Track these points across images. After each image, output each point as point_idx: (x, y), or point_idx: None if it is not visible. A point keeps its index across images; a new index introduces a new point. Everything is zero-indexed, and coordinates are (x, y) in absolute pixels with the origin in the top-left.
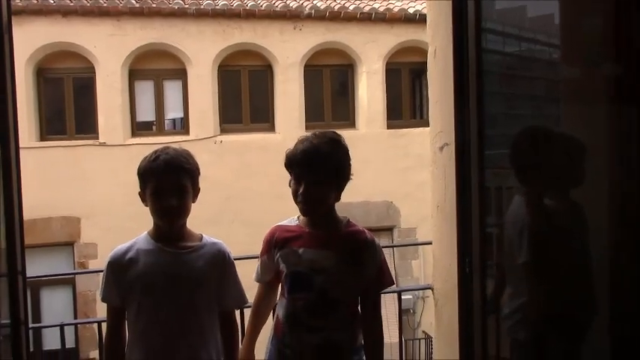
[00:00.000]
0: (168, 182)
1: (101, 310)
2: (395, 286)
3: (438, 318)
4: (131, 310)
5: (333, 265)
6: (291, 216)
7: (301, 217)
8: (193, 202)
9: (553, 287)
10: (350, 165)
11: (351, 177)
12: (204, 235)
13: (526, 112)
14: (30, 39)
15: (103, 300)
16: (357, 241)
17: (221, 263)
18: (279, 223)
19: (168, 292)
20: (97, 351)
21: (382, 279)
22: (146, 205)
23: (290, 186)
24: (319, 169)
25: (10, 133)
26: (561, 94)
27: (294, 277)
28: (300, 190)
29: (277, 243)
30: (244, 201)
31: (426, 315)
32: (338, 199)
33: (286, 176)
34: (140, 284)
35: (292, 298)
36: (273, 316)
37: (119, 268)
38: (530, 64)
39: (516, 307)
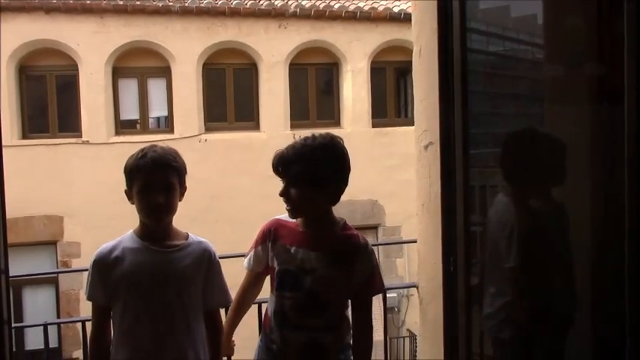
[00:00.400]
0: (156, 179)
1: (84, 310)
2: None
3: (423, 316)
4: (117, 309)
5: (323, 266)
6: (275, 215)
7: None
8: (180, 200)
9: (538, 287)
10: (345, 168)
11: (347, 183)
12: (190, 234)
13: (509, 112)
14: (12, 36)
15: (89, 299)
16: (350, 244)
17: (207, 262)
18: (279, 217)
19: (154, 290)
20: (80, 350)
21: (373, 284)
22: (132, 203)
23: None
24: (293, 169)
25: None
26: (545, 94)
27: (284, 275)
28: (290, 191)
29: (272, 236)
30: (229, 200)
31: (411, 313)
32: (334, 202)
33: (271, 175)
34: (126, 283)
35: (280, 295)
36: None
37: (104, 266)
38: (514, 63)
39: (500, 307)
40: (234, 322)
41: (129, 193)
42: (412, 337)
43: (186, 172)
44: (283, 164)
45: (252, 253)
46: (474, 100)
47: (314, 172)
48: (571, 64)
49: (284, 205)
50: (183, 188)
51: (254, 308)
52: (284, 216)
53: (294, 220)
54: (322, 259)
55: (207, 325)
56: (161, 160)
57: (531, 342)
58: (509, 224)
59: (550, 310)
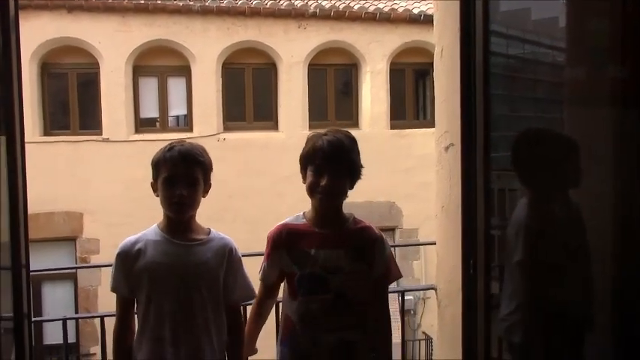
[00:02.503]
0: (181, 172)
1: (103, 306)
2: (397, 285)
3: (441, 318)
4: (140, 301)
5: (347, 264)
6: (292, 215)
7: (307, 215)
8: (203, 196)
9: (549, 289)
10: (362, 165)
11: (361, 177)
12: (212, 230)
13: (529, 115)
14: (35, 34)
15: (113, 290)
16: (367, 237)
17: (227, 257)
18: (285, 221)
19: (176, 284)
20: (98, 346)
21: (390, 272)
22: (157, 196)
23: (305, 180)
24: (342, 161)
25: (15, 128)
26: (565, 97)
27: (309, 279)
28: (323, 182)
29: (286, 243)
30: (246, 199)
31: (426, 316)
32: (346, 197)
33: (289, 175)
34: (148, 275)
35: (307, 299)
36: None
37: (128, 259)
38: (534, 66)
39: (513, 309)
40: (254, 334)
41: (154, 185)
42: (428, 339)
43: (211, 169)
44: (324, 156)
45: (266, 264)
46: (493, 103)
47: (354, 163)
48: (593, 67)
49: (301, 204)
50: (207, 185)
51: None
52: (290, 219)
53: (302, 222)
54: (345, 256)
55: (229, 319)
56: (188, 153)
57: (543, 346)
58: (518, 221)
59: (565, 314)
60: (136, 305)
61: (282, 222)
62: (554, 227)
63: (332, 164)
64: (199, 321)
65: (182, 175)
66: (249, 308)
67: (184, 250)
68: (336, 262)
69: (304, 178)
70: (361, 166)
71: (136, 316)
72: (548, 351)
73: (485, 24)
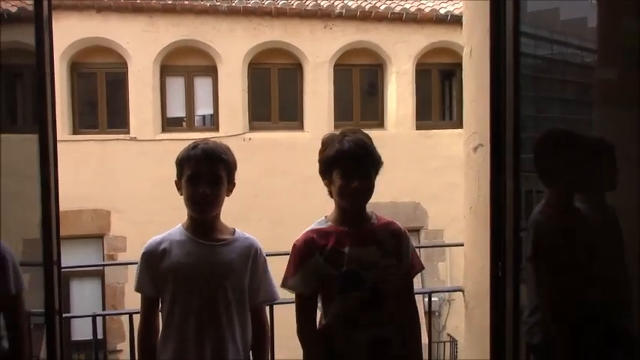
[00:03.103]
0: (204, 170)
1: (129, 303)
2: (422, 287)
3: (468, 321)
4: (164, 301)
5: (379, 259)
6: (317, 214)
7: (331, 217)
8: (227, 195)
9: (566, 289)
10: (381, 161)
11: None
12: (237, 230)
13: (556, 116)
14: (65, 34)
15: (137, 290)
16: (393, 232)
17: (252, 258)
18: (311, 228)
19: (200, 283)
20: (124, 343)
21: (414, 265)
22: (181, 194)
23: (330, 184)
24: (368, 161)
25: (48, 127)
26: (594, 98)
27: (345, 277)
28: (355, 185)
29: (319, 246)
30: (272, 199)
31: (451, 318)
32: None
33: (314, 175)
34: (173, 275)
35: (343, 297)
36: None
37: (153, 258)
38: (562, 67)
39: (531, 310)
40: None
41: (178, 184)
42: (453, 342)
43: (235, 168)
44: (352, 159)
45: (299, 273)
46: (522, 104)
47: (377, 161)
48: (624, 68)
49: (326, 204)
50: (231, 184)
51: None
52: (314, 225)
53: (327, 225)
54: (377, 252)
55: (253, 320)
56: (211, 152)
57: (562, 349)
58: (531, 219)
59: (585, 315)
60: (160, 305)
61: (307, 229)
62: (570, 227)
63: (360, 166)
64: (223, 321)
65: (205, 173)
66: (276, 308)
67: (209, 250)
68: (370, 257)
69: (327, 181)
70: (381, 163)
71: (160, 315)
72: (566, 353)
73: (515, 24)
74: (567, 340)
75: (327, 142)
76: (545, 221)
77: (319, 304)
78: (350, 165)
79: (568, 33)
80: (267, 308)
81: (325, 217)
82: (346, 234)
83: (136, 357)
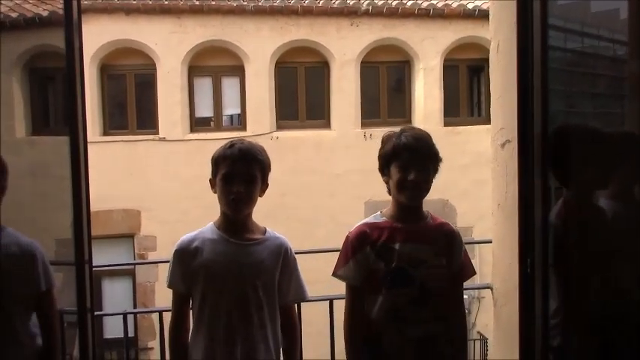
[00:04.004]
0: (239, 169)
1: (160, 301)
2: None
3: (497, 318)
4: (195, 299)
5: (429, 257)
6: (344, 213)
7: (387, 213)
8: (260, 195)
9: (587, 292)
10: (441, 159)
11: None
12: (267, 229)
13: (587, 110)
14: (95, 37)
15: (169, 286)
16: (446, 232)
17: (283, 257)
18: (365, 221)
19: (231, 282)
20: (155, 340)
21: (466, 269)
22: (215, 192)
23: (389, 179)
24: (427, 155)
25: (79, 129)
26: (626, 91)
27: (395, 273)
28: (411, 177)
29: (371, 240)
30: (299, 197)
31: (481, 316)
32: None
33: (341, 174)
34: (204, 273)
35: (392, 293)
36: None
37: (185, 256)
38: (593, 60)
39: (552, 313)
40: (362, 351)
41: (213, 182)
42: (483, 339)
43: (270, 170)
44: (410, 151)
45: (350, 263)
46: (550, 98)
47: (437, 156)
48: None
49: (353, 202)
50: (265, 184)
51: (324, 304)
52: (369, 219)
53: (382, 220)
54: (428, 250)
55: (283, 319)
56: (247, 151)
57: (580, 351)
58: (551, 222)
59: (605, 318)
60: (191, 302)
61: (361, 222)
62: (589, 228)
63: (418, 158)
64: (254, 320)
65: (240, 173)
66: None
67: (241, 250)
68: (420, 255)
69: (386, 176)
70: (440, 160)
71: (191, 312)
72: (584, 356)
73: (543, 17)
74: (588, 343)
75: (385, 140)
76: (561, 224)
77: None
78: (407, 157)
79: (599, 25)
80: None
81: (381, 212)
82: (399, 230)
83: (167, 353)
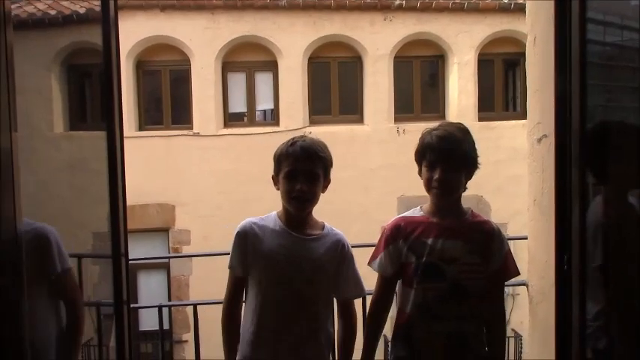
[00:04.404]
0: (302, 167)
1: (193, 295)
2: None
3: (533, 316)
4: (252, 284)
5: (462, 255)
6: (377, 208)
7: (425, 208)
8: (323, 192)
9: (633, 295)
10: (477, 155)
11: (479, 166)
12: (326, 225)
13: (627, 105)
14: (130, 33)
15: (230, 267)
16: (484, 230)
17: (340, 253)
18: (403, 215)
19: (289, 275)
20: (189, 333)
21: (507, 269)
22: (277, 189)
23: (421, 176)
24: (453, 154)
25: (115, 124)
26: None
27: (425, 268)
28: (436, 176)
29: (404, 233)
30: (332, 192)
31: (516, 313)
32: (465, 189)
33: (375, 168)
34: (263, 262)
35: (423, 288)
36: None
37: (247, 240)
38: (633, 53)
39: (595, 315)
40: (376, 336)
41: (275, 179)
42: (517, 337)
43: (331, 165)
44: (434, 151)
45: (382, 254)
46: (588, 93)
47: (467, 154)
48: None
49: (387, 197)
50: (327, 180)
51: (357, 301)
52: (408, 213)
53: (420, 214)
54: (462, 247)
55: (341, 315)
56: (309, 149)
57: (630, 353)
58: (594, 222)
59: None
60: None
61: (399, 216)
62: (635, 227)
63: (443, 158)
64: (306, 315)
65: (303, 170)
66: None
67: (301, 244)
68: (453, 252)
69: (420, 173)
70: (477, 157)
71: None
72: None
73: (581, 10)
74: (634, 348)
75: (421, 136)
76: (607, 223)
77: (401, 291)
78: (433, 157)
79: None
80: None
81: (421, 207)
82: (434, 225)
83: (221, 334)
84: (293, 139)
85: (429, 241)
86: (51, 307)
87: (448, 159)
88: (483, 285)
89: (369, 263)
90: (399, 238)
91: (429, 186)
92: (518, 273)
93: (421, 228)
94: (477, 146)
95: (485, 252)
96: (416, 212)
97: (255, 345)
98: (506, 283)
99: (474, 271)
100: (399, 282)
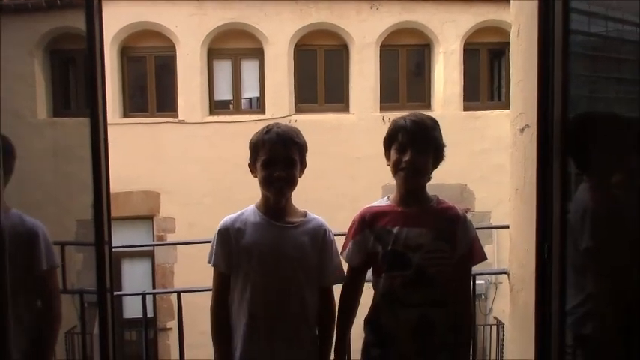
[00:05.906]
0: (279, 153)
1: (178, 282)
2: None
3: (513, 303)
4: (238, 277)
5: (428, 242)
6: (362, 196)
7: (392, 197)
8: (300, 176)
9: (622, 278)
10: (444, 146)
11: (444, 158)
12: (307, 212)
13: (610, 95)
14: (115, 19)
15: (214, 264)
16: (449, 217)
17: (321, 239)
18: (370, 205)
19: (273, 264)
20: (174, 321)
21: (474, 254)
22: (255, 177)
23: (389, 158)
24: (425, 139)
25: (99, 111)
26: None
27: (392, 256)
28: (406, 158)
29: (370, 223)
30: (318, 180)
31: (498, 301)
32: (430, 178)
33: (360, 157)
34: (247, 255)
35: (389, 276)
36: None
37: (228, 237)
38: (617, 44)
39: (581, 301)
40: (347, 329)
41: (252, 167)
42: (499, 325)
43: (306, 150)
44: (407, 133)
45: (350, 244)
46: (571, 83)
47: (437, 141)
48: None
49: (372, 186)
50: (303, 165)
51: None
52: (376, 202)
53: (387, 203)
54: (427, 234)
55: (321, 300)
56: (284, 135)
57: (617, 337)
58: (582, 206)
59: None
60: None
61: (366, 206)
62: (622, 213)
63: (415, 141)
64: (296, 300)
65: (280, 157)
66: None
67: (283, 232)
68: (418, 239)
69: (388, 159)
70: (444, 146)
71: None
72: (621, 344)
73: (565, 0)
74: (619, 333)
75: (392, 122)
76: (598, 208)
77: (374, 278)
78: (404, 140)
79: (624, 9)
80: None
81: (388, 197)
82: (400, 214)
83: (210, 331)
84: (267, 126)
85: (395, 229)
86: (30, 304)
87: (419, 141)
88: (450, 271)
89: (341, 253)
90: (365, 228)
91: (397, 168)
92: (485, 258)
93: (387, 217)
94: (461, 136)
95: (451, 238)
96: (383, 202)
97: (249, 337)
98: (488, 271)
99: (440, 257)
100: (369, 271)
